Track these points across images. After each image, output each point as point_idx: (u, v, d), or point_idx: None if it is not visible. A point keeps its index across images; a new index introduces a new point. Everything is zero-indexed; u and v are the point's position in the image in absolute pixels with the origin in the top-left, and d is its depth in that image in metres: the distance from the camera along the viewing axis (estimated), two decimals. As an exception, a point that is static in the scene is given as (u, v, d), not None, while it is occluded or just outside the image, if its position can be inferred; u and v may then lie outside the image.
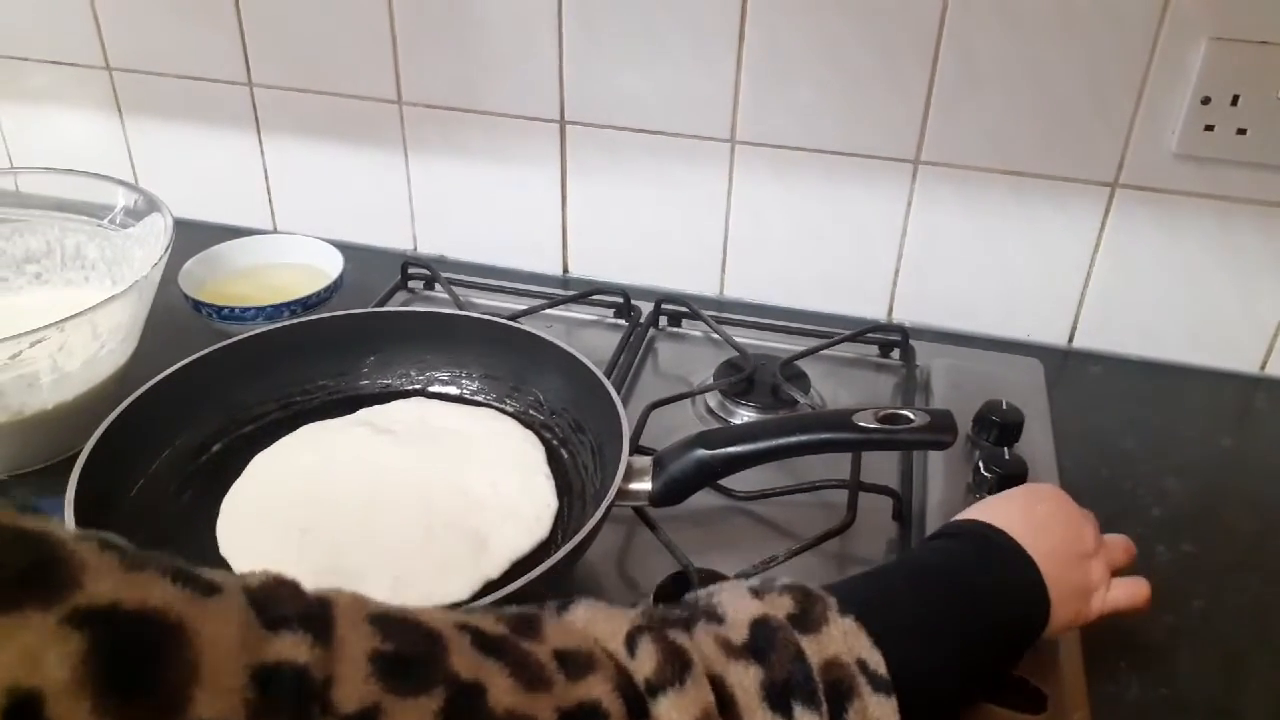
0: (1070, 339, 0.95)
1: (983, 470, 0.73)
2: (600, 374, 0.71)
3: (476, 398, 0.79)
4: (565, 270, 1.06)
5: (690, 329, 0.96)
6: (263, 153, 1.07)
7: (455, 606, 0.57)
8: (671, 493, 0.63)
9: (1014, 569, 0.52)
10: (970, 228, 0.91)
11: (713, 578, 0.64)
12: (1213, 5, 0.78)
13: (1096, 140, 0.85)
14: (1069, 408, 0.85)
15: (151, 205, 0.81)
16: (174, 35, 1.02)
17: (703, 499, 0.68)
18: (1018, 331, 0.95)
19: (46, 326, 0.67)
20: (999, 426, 0.77)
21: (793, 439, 0.61)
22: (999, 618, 0.51)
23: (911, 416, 0.60)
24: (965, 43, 0.83)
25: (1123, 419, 0.87)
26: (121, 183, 0.84)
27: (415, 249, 1.09)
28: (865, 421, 0.60)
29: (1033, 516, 0.55)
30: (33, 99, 1.12)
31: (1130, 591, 0.58)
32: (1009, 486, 0.72)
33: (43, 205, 0.87)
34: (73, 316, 0.68)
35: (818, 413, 0.76)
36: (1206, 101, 0.81)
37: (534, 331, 0.77)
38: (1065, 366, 0.93)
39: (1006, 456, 0.74)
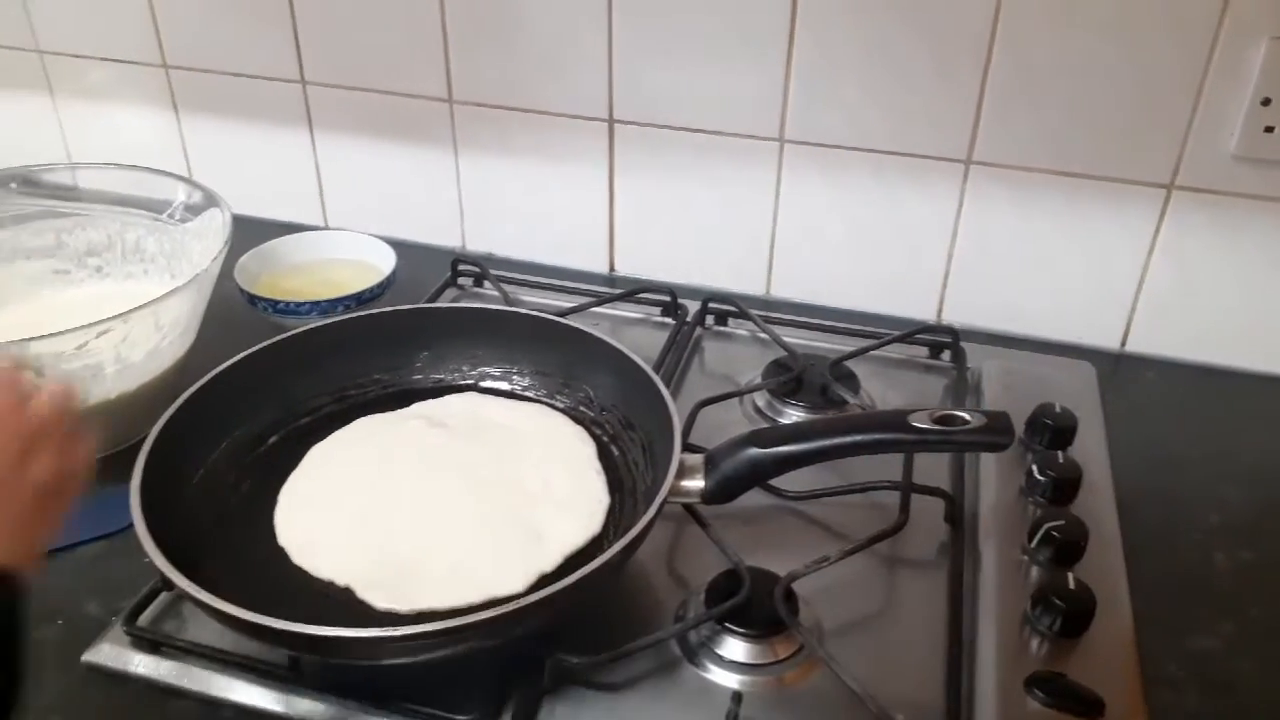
0: (1123, 342, 0.94)
1: (1036, 474, 0.73)
2: (651, 372, 0.71)
3: (527, 393, 0.80)
4: (611, 269, 1.06)
5: (736, 328, 0.96)
6: (315, 150, 1.08)
7: (512, 598, 0.58)
8: (724, 491, 0.63)
9: None
10: (1022, 229, 0.91)
11: (764, 576, 0.64)
12: (1273, 5, 0.76)
13: (1153, 141, 0.84)
14: (1122, 412, 0.84)
15: (210, 201, 0.82)
16: (230, 34, 1.04)
17: (752, 498, 0.68)
18: (1069, 334, 0.94)
19: (112, 318, 0.68)
20: (1052, 430, 0.76)
21: (847, 439, 0.61)
22: None
23: (968, 418, 0.60)
24: (1019, 42, 0.82)
25: (1178, 424, 0.86)
26: (181, 178, 0.85)
27: (463, 246, 1.10)
28: (921, 422, 0.60)
29: None
30: (91, 96, 1.14)
31: (65, 449, 0.50)
32: (1063, 490, 0.72)
33: (104, 200, 0.89)
34: (137, 308, 0.69)
35: (872, 413, 0.76)
36: (1267, 103, 0.79)
37: (585, 329, 0.77)
38: (1117, 370, 0.92)
39: (1061, 460, 0.73)
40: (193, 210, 0.85)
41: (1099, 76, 0.82)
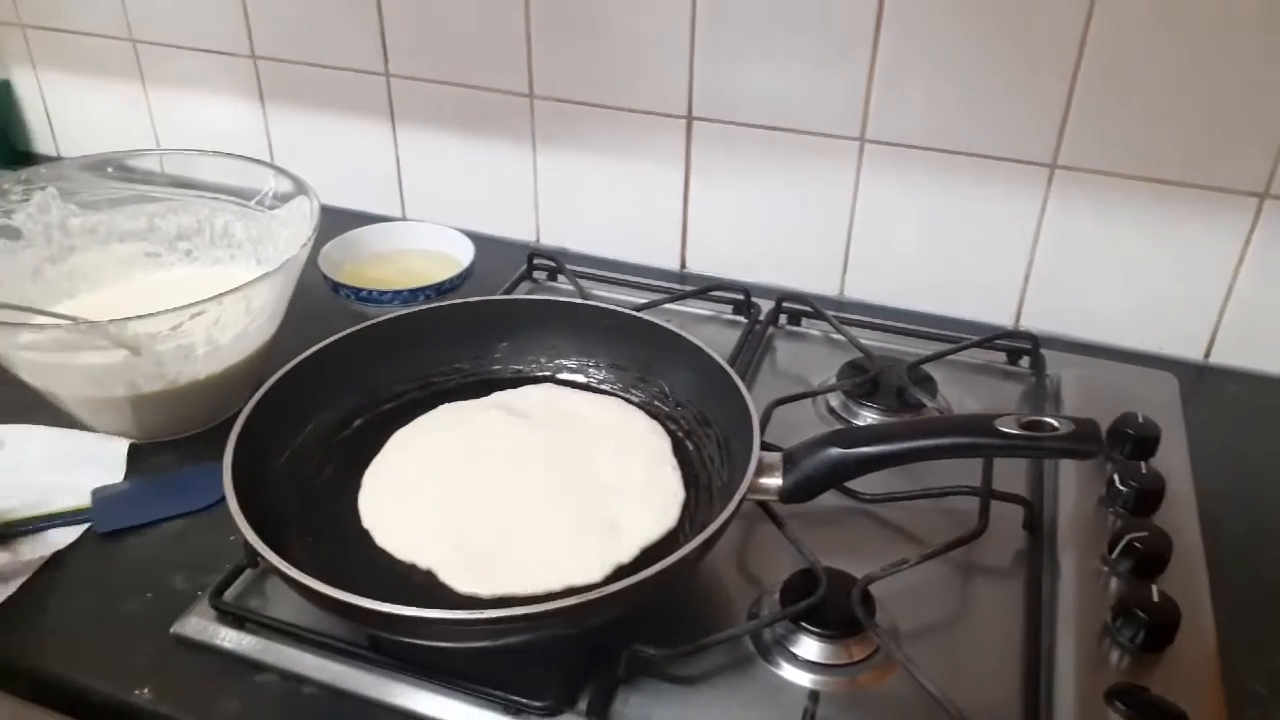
0: (1207, 354, 0.92)
1: (1118, 484, 0.71)
2: (730, 369, 0.71)
3: (603, 386, 0.81)
4: (682, 265, 1.07)
5: (809, 328, 0.96)
6: (396, 141, 1.10)
7: (590, 588, 0.59)
8: (802, 490, 0.63)
9: None
10: (1106, 235, 0.89)
11: (840, 577, 0.64)
12: (1382, 11, 0.75)
13: (1247, 149, 0.82)
14: (1204, 424, 0.82)
15: (299, 189, 0.84)
16: (317, 26, 1.06)
17: (826, 499, 0.67)
18: (1150, 344, 0.93)
19: (206, 300, 0.70)
20: (1135, 440, 0.75)
21: (932, 441, 0.60)
22: None
23: (1056, 424, 0.59)
24: (1111, 44, 0.81)
25: (1262, 437, 0.84)
26: (272, 166, 0.87)
27: (537, 240, 1.11)
28: (1008, 427, 0.59)
29: None
30: (179, 84, 1.17)
31: None
32: (1145, 501, 0.71)
33: (194, 186, 0.91)
34: (230, 291, 0.71)
35: (958, 416, 0.75)
36: (1370, 111, 0.77)
37: (663, 324, 0.78)
38: (1201, 382, 0.90)
39: (1144, 470, 0.72)
40: (281, 198, 0.87)
41: (1193, 81, 0.81)
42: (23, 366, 0.75)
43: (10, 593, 0.67)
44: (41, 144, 1.30)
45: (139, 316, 0.69)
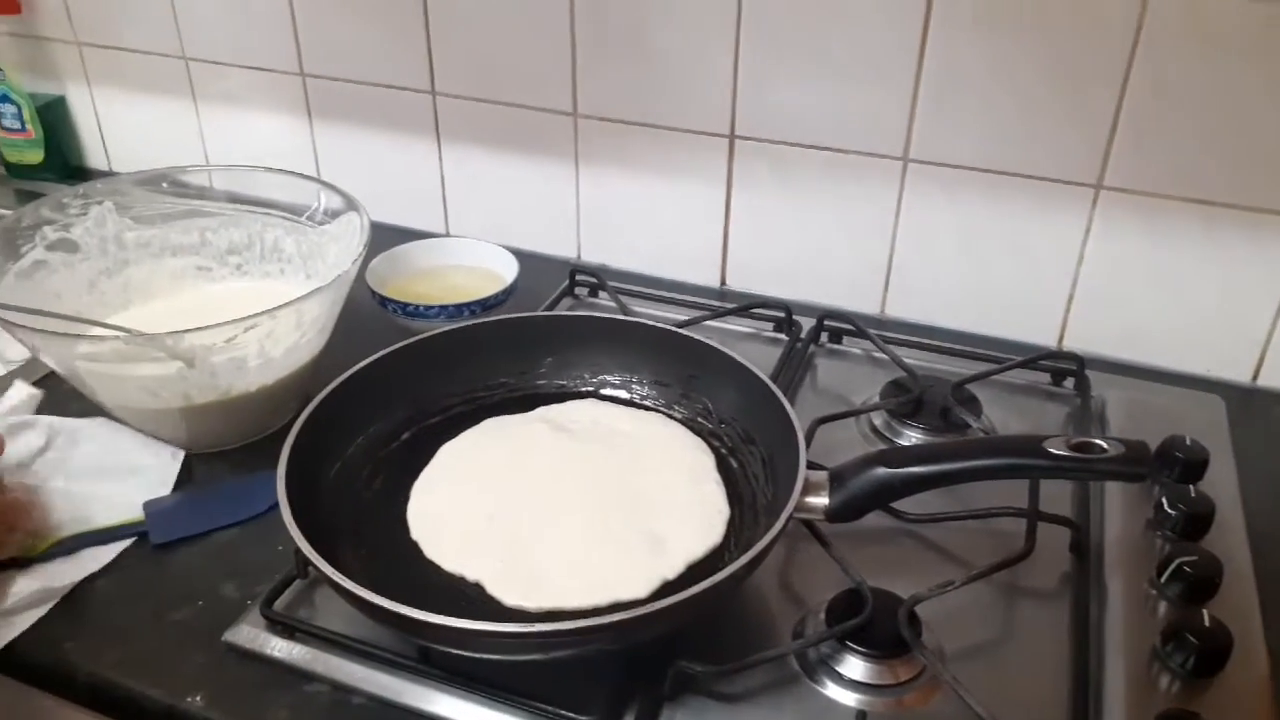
0: (1255, 376, 0.91)
1: (1166, 507, 0.71)
2: (775, 388, 0.72)
3: (645, 402, 0.81)
4: (722, 282, 1.07)
5: (850, 346, 0.96)
6: (441, 159, 1.12)
7: (636, 603, 0.59)
8: (849, 509, 0.63)
9: None
10: (1152, 256, 0.89)
11: (886, 597, 0.64)
12: None
13: (1297, 171, 0.82)
14: (1253, 448, 0.82)
15: (349, 205, 0.86)
16: (366, 45, 1.08)
17: (870, 518, 0.67)
18: (1197, 366, 0.92)
19: (260, 313, 0.72)
20: (1183, 463, 0.75)
21: (981, 462, 0.60)
22: None
23: (1106, 446, 0.59)
24: (1159, 66, 0.81)
25: (1313, 463, 0.83)
26: (323, 183, 0.89)
27: (578, 256, 1.12)
28: (1057, 448, 0.59)
29: None
30: (229, 100, 1.19)
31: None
32: (1195, 524, 0.70)
33: (245, 201, 0.93)
34: (283, 305, 0.73)
35: (1007, 436, 0.75)
36: None
37: (707, 341, 0.78)
38: (1249, 405, 0.89)
39: (1193, 494, 0.71)
40: (331, 214, 0.88)
41: (1242, 102, 0.80)
42: (80, 377, 0.77)
43: (52, 604, 0.68)
44: (94, 158, 1.33)
45: (195, 329, 0.70)
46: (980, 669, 0.63)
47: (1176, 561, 0.66)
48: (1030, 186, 0.89)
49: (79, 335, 0.74)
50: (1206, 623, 0.61)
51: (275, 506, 0.61)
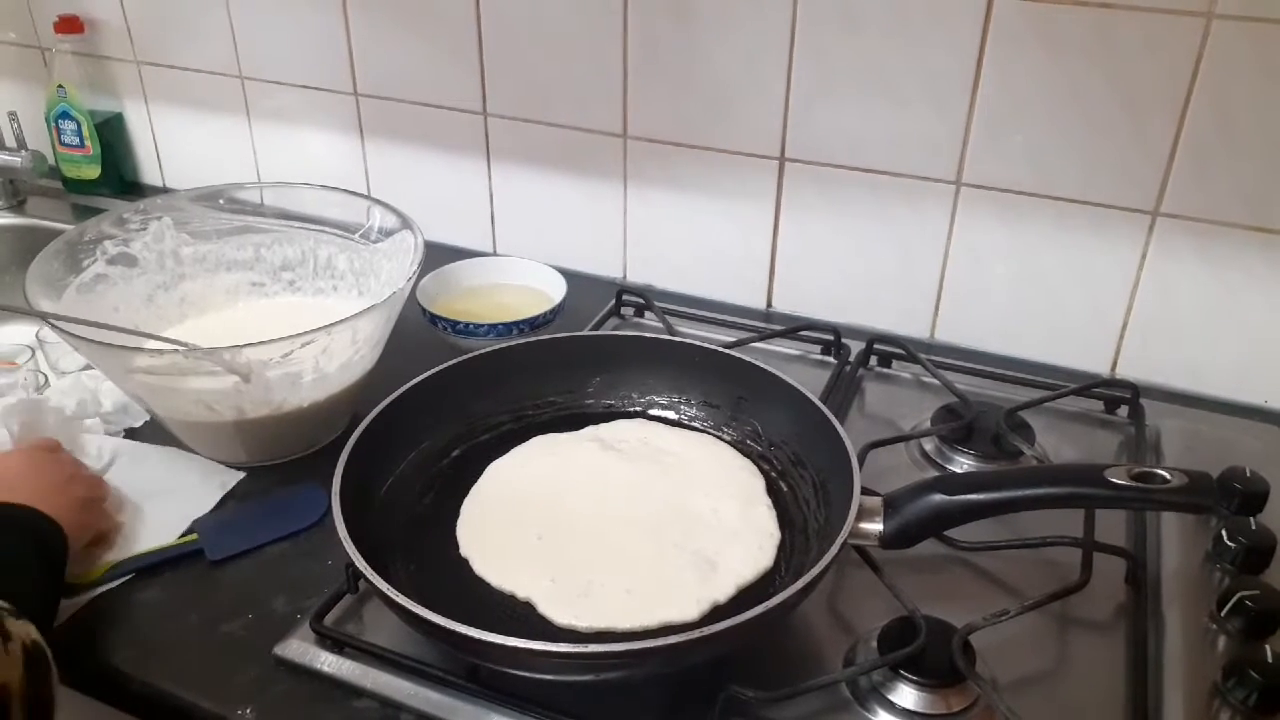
0: (1315, 408, 0.89)
1: (1225, 539, 0.70)
2: (828, 412, 0.71)
3: (694, 423, 0.81)
4: (769, 304, 1.07)
5: (899, 371, 0.95)
6: (490, 178, 1.13)
7: (686, 626, 0.59)
8: (904, 536, 0.63)
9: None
10: (1210, 284, 0.87)
11: (939, 626, 0.63)
12: None
13: (1361, 199, 0.80)
14: (1314, 480, 0.80)
15: (403, 224, 0.86)
16: (420, 66, 1.09)
17: (923, 546, 0.66)
18: (1254, 396, 0.90)
19: (316, 329, 0.72)
20: (1242, 494, 0.73)
21: (1039, 491, 0.60)
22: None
23: (1168, 476, 0.58)
24: (1222, 93, 0.80)
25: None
26: (378, 201, 0.90)
27: (624, 276, 1.12)
28: (1118, 478, 0.58)
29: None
30: (282, 118, 1.21)
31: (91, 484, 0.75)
32: (1255, 558, 0.69)
33: (298, 218, 0.94)
34: (339, 322, 0.73)
35: (1065, 465, 0.74)
36: None
37: (757, 364, 0.78)
38: (1309, 436, 0.87)
39: (1254, 526, 0.70)
40: (385, 232, 0.89)
41: (1304, 130, 0.79)
42: (135, 389, 0.78)
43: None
44: (149, 174, 1.36)
45: (252, 344, 0.71)
46: (1035, 700, 0.62)
47: (1238, 595, 0.64)
48: (1085, 212, 0.89)
49: (137, 349, 0.75)
50: (1270, 658, 0.60)
51: (323, 520, 0.61)
